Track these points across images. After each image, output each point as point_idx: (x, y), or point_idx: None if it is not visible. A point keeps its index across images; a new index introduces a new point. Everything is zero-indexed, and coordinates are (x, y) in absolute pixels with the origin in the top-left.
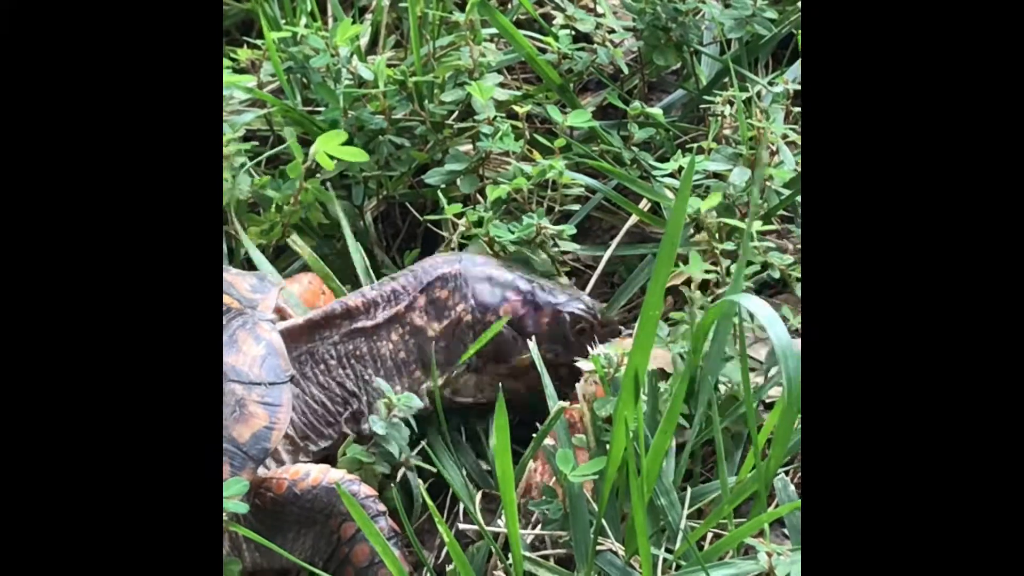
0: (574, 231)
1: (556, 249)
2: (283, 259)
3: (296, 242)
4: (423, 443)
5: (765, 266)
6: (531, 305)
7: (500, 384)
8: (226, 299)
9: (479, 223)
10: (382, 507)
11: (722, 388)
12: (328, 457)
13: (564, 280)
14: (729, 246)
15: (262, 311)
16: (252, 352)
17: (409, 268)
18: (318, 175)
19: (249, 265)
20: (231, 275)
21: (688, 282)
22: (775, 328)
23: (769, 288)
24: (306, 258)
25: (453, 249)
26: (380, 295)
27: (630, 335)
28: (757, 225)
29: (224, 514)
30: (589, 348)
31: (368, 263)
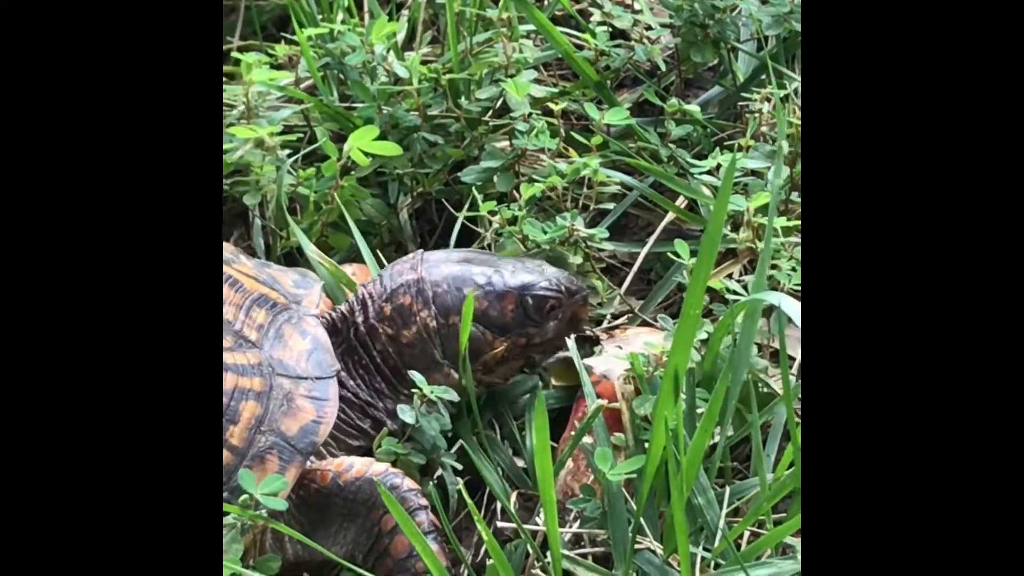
0: (606, 234)
1: (589, 247)
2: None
3: (315, 252)
4: (459, 442)
5: None
6: (491, 296)
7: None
8: (271, 294)
9: (513, 221)
10: (424, 501)
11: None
12: (369, 451)
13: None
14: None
15: (306, 306)
16: (298, 347)
17: (379, 273)
18: (353, 172)
19: (286, 260)
20: (274, 270)
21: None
22: None
23: None
24: (326, 267)
25: (487, 246)
26: (356, 301)
27: (650, 326)
28: (784, 222)
29: (264, 510)
30: (556, 322)
31: (379, 261)
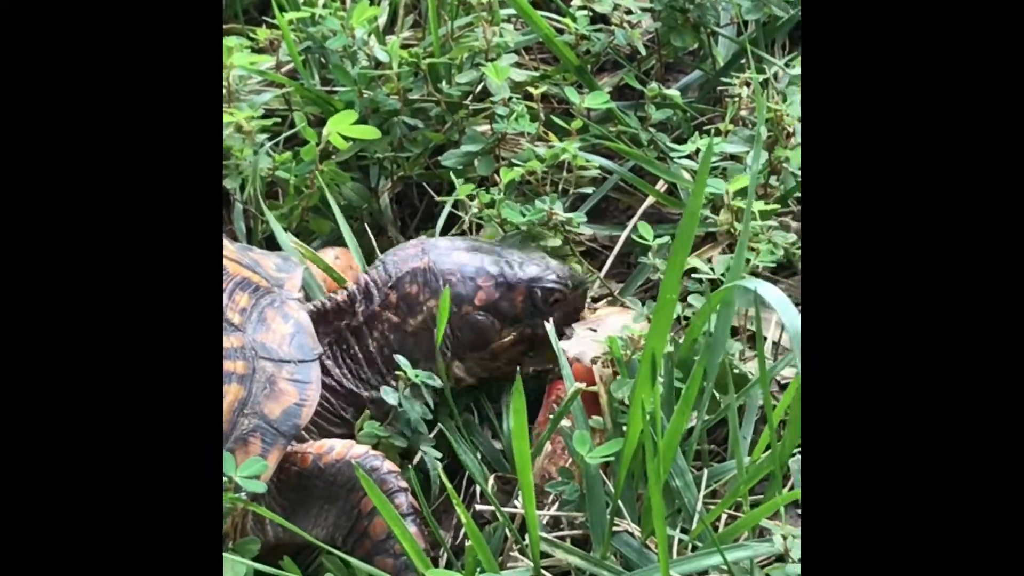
0: (584, 219)
1: (570, 230)
2: (302, 239)
3: (294, 241)
4: (438, 426)
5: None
6: (503, 287)
7: (518, 366)
8: (253, 277)
9: (492, 204)
10: (403, 483)
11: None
12: (350, 438)
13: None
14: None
15: (288, 290)
16: (281, 330)
17: (380, 259)
18: (334, 157)
19: (269, 244)
20: (256, 254)
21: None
22: (785, 310)
23: (784, 270)
24: (303, 254)
25: (466, 231)
26: (357, 289)
27: (623, 305)
28: (762, 206)
29: (243, 493)
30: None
31: (360, 244)
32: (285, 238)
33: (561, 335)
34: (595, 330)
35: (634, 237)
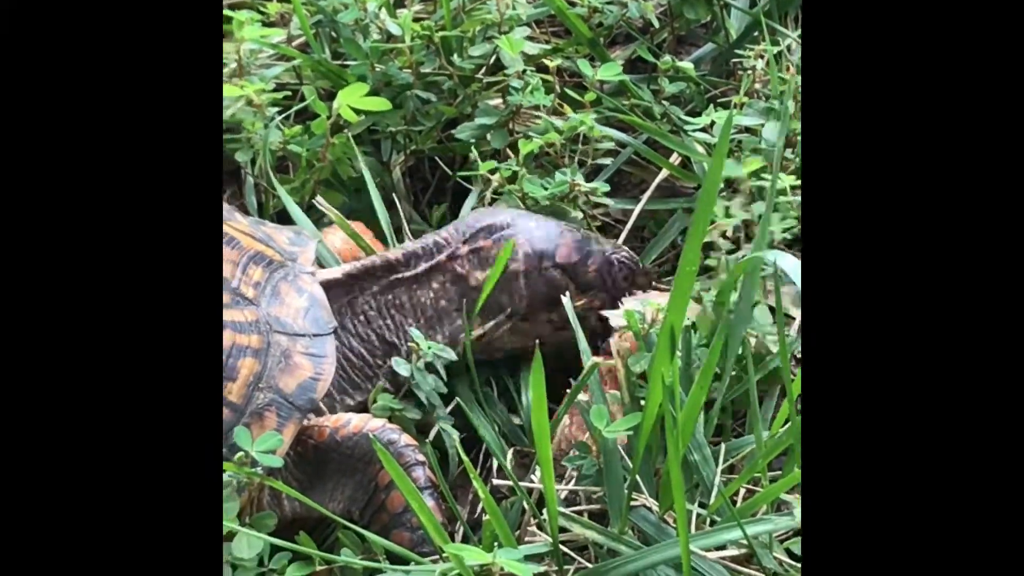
0: (607, 188)
1: (588, 204)
2: (313, 214)
3: (321, 203)
4: (456, 399)
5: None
6: (583, 252)
7: (537, 338)
8: (267, 251)
9: (512, 178)
10: (421, 457)
11: (750, 343)
12: (366, 408)
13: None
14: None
15: (302, 264)
16: (295, 304)
17: (452, 223)
18: (346, 130)
19: (280, 219)
20: (269, 228)
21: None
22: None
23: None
24: (333, 219)
25: (485, 204)
26: (423, 247)
27: (658, 290)
28: (791, 180)
29: (259, 467)
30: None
31: (388, 218)
32: (293, 207)
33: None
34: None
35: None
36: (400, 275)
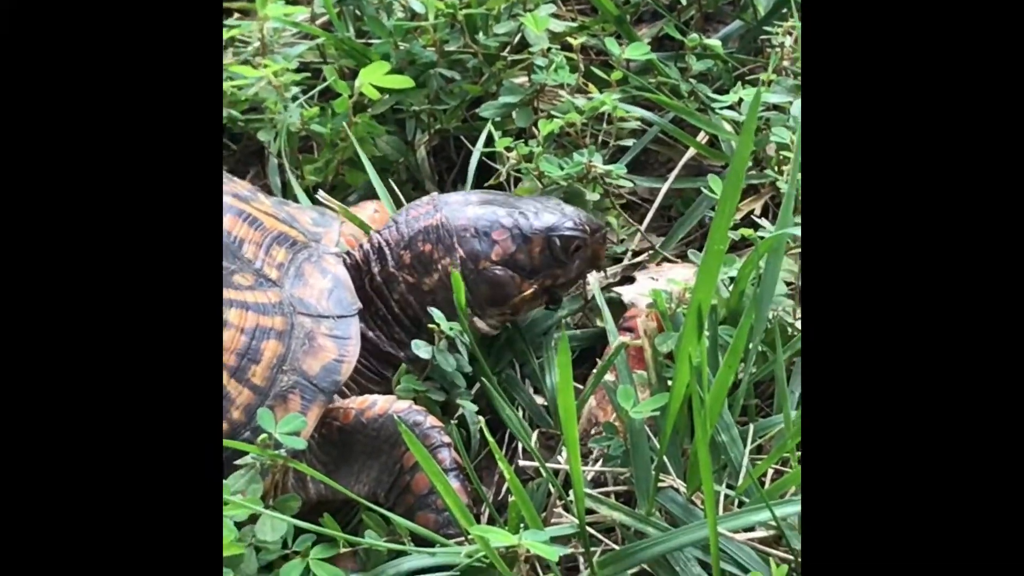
0: (624, 170)
1: (609, 182)
2: (338, 193)
3: (324, 196)
4: (481, 380)
5: None
6: (520, 239)
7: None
8: (290, 232)
9: (530, 158)
10: (447, 438)
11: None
12: (389, 393)
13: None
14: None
15: (326, 244)
16: (319, 285)
17: (393, 218)
18: (369, 109)
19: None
20: (292, 208)
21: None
22: None
23: None
24: (337, 209)
25: (503, 184)
26: (371, 249)
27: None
28: None
29: (283, 450)
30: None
31: (397, 199)
32: (303, 196)
33: (582, 281)
34: (656, 279)
35: (702, 188)
36: (368, 282)
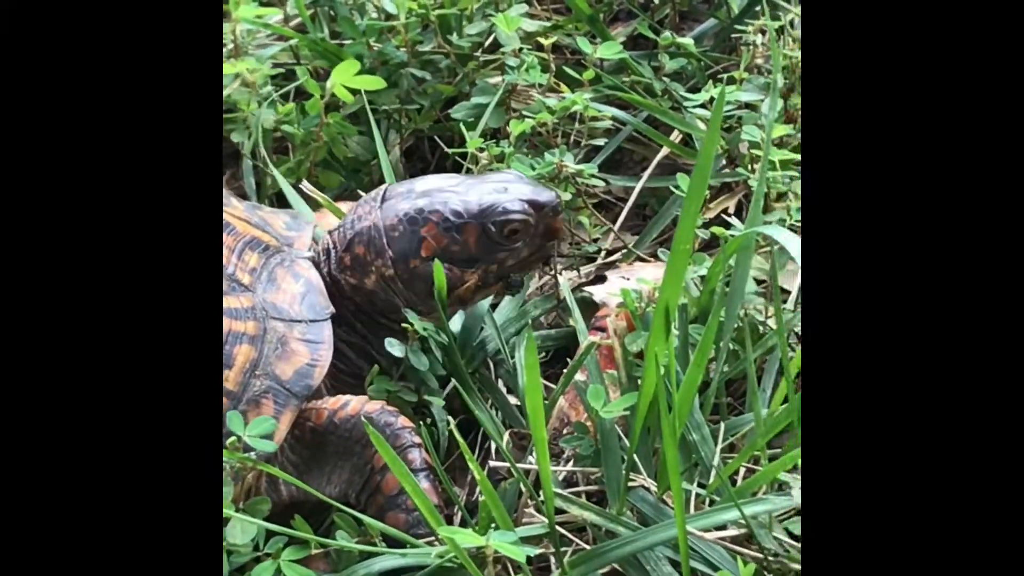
0: (595, 169)
1: (582, 182)
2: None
3: (308, 187)
4: (452, 381)
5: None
6: (453, 230)
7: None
8: (263, 237)
9: (501, 158)
10: (417, 439)
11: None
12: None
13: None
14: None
15: (298, 248)
16: (291, 289)
17: (341, 221)
18: (341, 109)
19: (278, 201)
20: (265, 212)
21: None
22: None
23: None
24: (321, 202)
25: None
26: (320, 252)
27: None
28: (780, 154)
29: (253, 453)
30: (527, 239)
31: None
32: (288, 189)
33: (539, 260)
34: (627, 279)
35: (671, 187)
36: (325, 284)
